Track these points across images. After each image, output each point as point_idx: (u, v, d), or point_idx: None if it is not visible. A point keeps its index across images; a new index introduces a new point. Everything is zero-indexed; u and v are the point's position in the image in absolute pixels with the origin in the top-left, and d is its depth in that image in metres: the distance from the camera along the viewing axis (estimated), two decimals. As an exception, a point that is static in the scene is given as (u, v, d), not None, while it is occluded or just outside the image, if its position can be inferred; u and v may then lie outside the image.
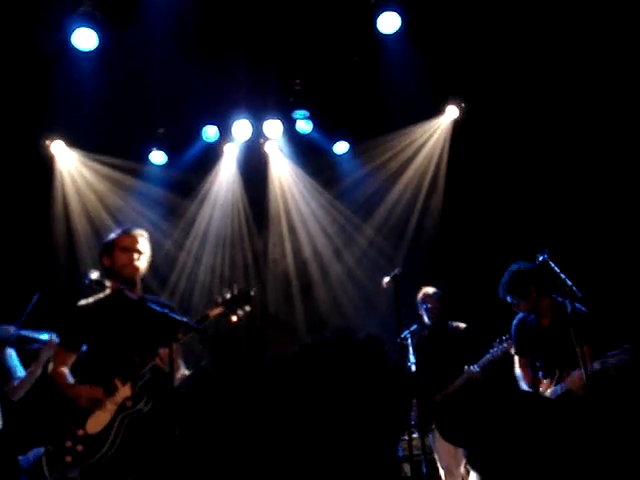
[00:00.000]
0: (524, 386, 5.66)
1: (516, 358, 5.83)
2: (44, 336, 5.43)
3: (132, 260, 4.32)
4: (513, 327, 5.89)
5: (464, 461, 6.21)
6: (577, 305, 5.27)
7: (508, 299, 5.68)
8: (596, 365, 5.16)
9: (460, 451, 6.21)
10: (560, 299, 5.48)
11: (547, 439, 4.87)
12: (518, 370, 5.78)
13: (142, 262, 4.40)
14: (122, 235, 4.43)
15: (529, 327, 5.72)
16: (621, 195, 7.28)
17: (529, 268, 5.58)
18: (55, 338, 5.32)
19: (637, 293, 6.86)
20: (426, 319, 6.71)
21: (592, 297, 5.30)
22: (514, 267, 5.68)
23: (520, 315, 5.84)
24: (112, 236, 4.49)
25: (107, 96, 7.76)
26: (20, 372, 5.52)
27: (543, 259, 5.16)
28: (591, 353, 5.17)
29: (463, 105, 8.46)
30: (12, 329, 5.40)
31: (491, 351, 6.18)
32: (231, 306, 4.20)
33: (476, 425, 5.07)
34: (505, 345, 6.10)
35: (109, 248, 4.40)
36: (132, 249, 4.36)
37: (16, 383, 5.47)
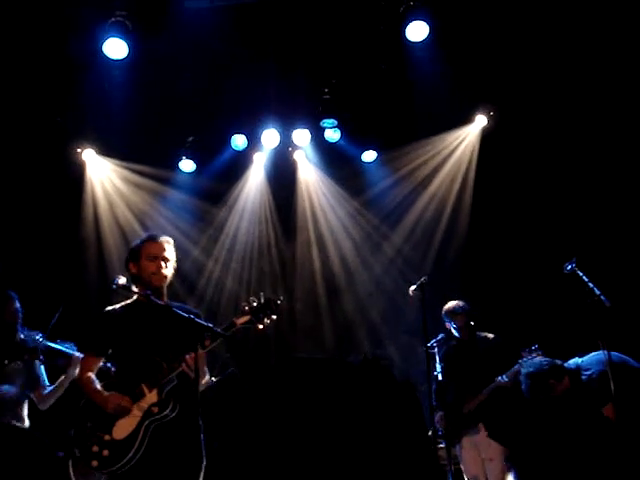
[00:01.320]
0: None
1: None
2: (69, 349, 5.47)
3: (159, 268, 4.33)
4: None
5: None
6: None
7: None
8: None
9: (487, 461, 6.17)
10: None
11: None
12: None
13: (169, 269, 4.41)
14: (148, 242, 4.43)
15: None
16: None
17: (539, 367, 5.46)
18: (78, 354, 5.37)
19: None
20: (454, 332, 6.66)
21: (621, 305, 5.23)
22: (525, 370, 5.53)
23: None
24: (138, 243, 4.49)
25: (137, 105, 7.84)
26: (46, 381, 5.60)
27: (571, 268, 5.10)
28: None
29: (492, 113, 8.40)
30: (39, 337, 5.45)
31: (520, 361, 6.09)
32: (258, 314, 4.20)
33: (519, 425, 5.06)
34: (534, 356, 6.02)
35: (135, 255, 4.41)
36: (159, 257, 4.37)
37: (45, 392, 5.54)
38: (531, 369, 5.46)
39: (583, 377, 5.37)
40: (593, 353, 5.47)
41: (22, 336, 5.47)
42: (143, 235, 4.70)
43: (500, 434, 5.78)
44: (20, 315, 5.56)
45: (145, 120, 8.13)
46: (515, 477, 5.88)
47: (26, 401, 5.53)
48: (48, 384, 5.57)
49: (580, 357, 5.55)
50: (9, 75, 7.22)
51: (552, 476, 5.17)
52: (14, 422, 5.34)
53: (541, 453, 5.19)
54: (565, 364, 5.54)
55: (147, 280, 4.31)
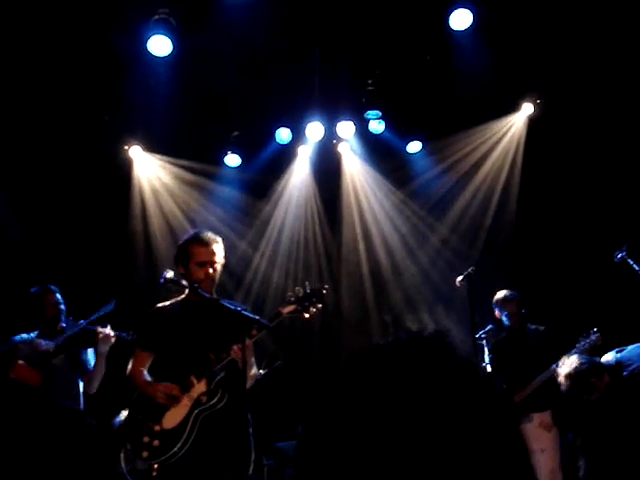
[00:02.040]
0: None
1: None
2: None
3: (207, 275, 4.32)
4: None
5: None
6: None
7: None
8: None
9: (538, 452, 6.10)
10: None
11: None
12: None
13: (217, 272, 4.41)
14: (197, 246, 4.34)
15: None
16: None
17: (578, 366, 5.35)
18: (104, 329, 5.46)
19: None
20: (505, 321, 6.59)
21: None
22: (563, 371, 5.42)
23: None
24: (186, 242, 4.42)
25: (182, 101, 7.90)
26: (92, 366, 5.72)
27: (622, 256, 5.03)
28: None
29: (539, 101, 8.28)
30: (82, 322, 5.56)
31: (577, 346, 5.97)
32: (304, 303, 4.21)
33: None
34: (593, 337, 5.90)
35: (184, 258, 4.36)
36: (207, 263, 4.34)
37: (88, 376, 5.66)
38: (569, 369, 5.34)
39: (625, 373, 5.26)
40: (631, 346, 5.36)
41: (64, 325, 5.58)
42: (191, 232, 4.67)
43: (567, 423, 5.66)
44: (62, 307, 5.67)
45: (190, 116, 8.20)
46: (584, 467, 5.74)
47: (79, 384, 5.65)
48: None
49: (618, 352, 5.44)
50: (57, 74, 7.34)
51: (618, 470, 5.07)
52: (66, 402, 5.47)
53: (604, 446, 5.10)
54: (603, 360, 5.42)
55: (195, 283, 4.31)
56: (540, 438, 6.04)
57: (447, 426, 0.94)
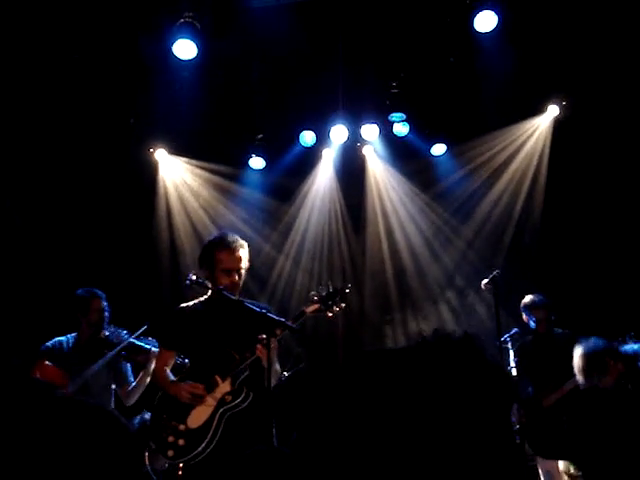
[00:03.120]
0: None
1: None
2: (150, 345, 5.53)
3: (233, 282, 4.32)
4: None
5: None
6: None
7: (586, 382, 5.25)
8: None
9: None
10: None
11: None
12: None
13: (243, 276, 4.42)
14: (224, 252, 4.30)
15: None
16: None
17: (595, 346, 5.21)
18: (156, 350, 5.44)
19: None
20: (533, 326, 6.55)
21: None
22: (581, 350, 5.28)
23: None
24: (212, 246, 4.41)
25: (207, 104, 7.97)
26: (131, 378, 5.72)
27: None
28: None
29: (564, 103, 8.22)
30: (124, 334, 5.54)
31: None
32: (327, 302, 4.22)
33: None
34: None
35: (210, 264, 4.34)
36: (233, 270, 4.34)
37: (129, 389, 5.66)
38: (586, 349, 5.30)
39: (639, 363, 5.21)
40: None
41: (107, 333, 5.58)
42: (216, 234, 4.63)
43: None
44: (106, 314, 5.64)
45: (215, 119, 8.26)
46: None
47: (112, 396, 5.67)
48: (132, 381, 5.69)
49: (637, 343, 5.38)
50: (84, 78, 7.42)
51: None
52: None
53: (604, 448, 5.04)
54: (621, 349, 5.37)
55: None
56: None
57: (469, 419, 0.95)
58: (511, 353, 6.52)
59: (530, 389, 6.53)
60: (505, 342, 6.46)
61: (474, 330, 8.11)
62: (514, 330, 6.68)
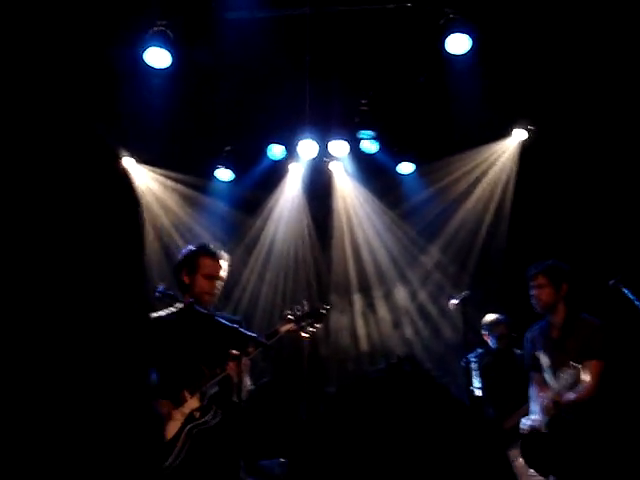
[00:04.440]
0: (534, 407, 5.43)
1: (531, 375, 5.60)
2: None
3: (213, 289, 4.32)
4: (526, 340, 5.70)
5: None
6: (589, 316, 5.25)
7: (534, 282, 5.49)
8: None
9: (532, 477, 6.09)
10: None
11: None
12: (532, 388, 5.56)
13: (220, 288, 4.42)
14: (209, 259, 4.36)
15: (541, 339, 5.52)
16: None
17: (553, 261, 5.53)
18: None
19: None
20: (492, 345, 6.61)
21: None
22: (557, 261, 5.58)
23: (532, 328, 5.68)
24: (196, 253, 4.43)
25: (177, 114, 7.88)
26: None
27: (615, 284, 5.03)
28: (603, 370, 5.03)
29: (531, 128, 8.33)
30: None
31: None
32: (301, 323, 4.20)
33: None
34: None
35: (192, 267, 4.35)
36: (215, 277, 4.35)
37: None
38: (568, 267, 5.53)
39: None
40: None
41: None
42: (199, 243, 4.63)
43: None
44: None
45: (184, 129, 8.18)
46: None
47: None
48: None
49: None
50: (51, 83, 7.29)
51: None
52: None
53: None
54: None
55: (198, 296, 4.31)
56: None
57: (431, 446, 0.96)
58: (475, 373, 6.53)
59: (490, 411, 6.57)
60: (469, 362, 6.48)
61: (439, 350, 8.17)
62: (479, 350, 6.71)
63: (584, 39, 7.03)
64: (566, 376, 5.02)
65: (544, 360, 5.42)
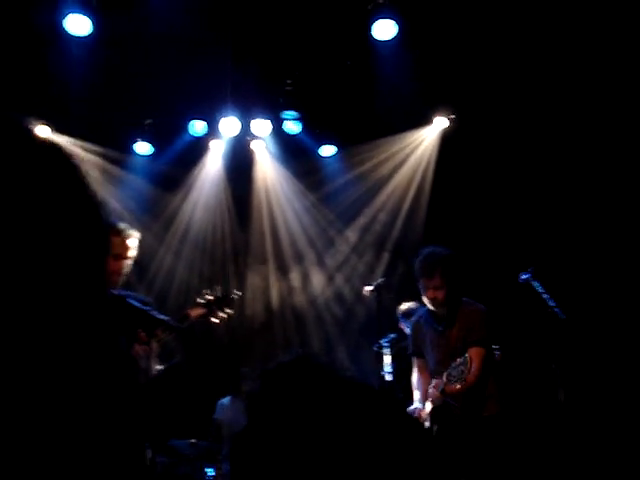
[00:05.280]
0: (417, 394, 5.42)
1: (414, 361, 5.56)
2: None
3: (121, 268, 4.20)
4: (411, 326, 5.62)
5: None
6: (472, 302, 5.22)
7: (429, 283, 5.20)
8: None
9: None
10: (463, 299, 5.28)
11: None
12: (415, 375, 5.53)
13: (128, 266, 4.31)
14: (115, 237, 4.26)
15: (425, 326, 5.40)
16: (613, 213, 7.20)
17: (444, 254, 5.29)
18: None
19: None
20: (408, 333, 6.69)
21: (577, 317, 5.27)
22: (448, 252, 5.36)
23: (417, 314, 5.63)
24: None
25: (96, 84, 7.66)
26: None
27: (526, 278, 5.09)
28: (488, 356, 5.04)
29: (452, 116, 8.42)
30: None
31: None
32: (213, 308, 4.16)
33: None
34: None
35: None
36: (123, 257, 4.23)
37: None
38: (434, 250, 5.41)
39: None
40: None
41: None
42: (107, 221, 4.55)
43: None
44: None
45: (104, 99, 7.94)
46: None
47: None
48: None
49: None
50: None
51: None
52: None
53: None
54: None
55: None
56: None
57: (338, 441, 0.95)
58: (387, 358, 6.59)
59: (401, 395, 6.65)
60: (382, 347, 6.54)
61: (353, 334, 8.24)
62: (391, 335, 6.77)
63: (505, 31, 7.12)
64: (456, 365, 5.00)
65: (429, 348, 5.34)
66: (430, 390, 5.18)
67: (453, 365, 4.97)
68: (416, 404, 5.25)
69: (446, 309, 5.20)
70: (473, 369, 4.81)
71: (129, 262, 4.29)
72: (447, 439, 4.95)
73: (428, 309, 5.33)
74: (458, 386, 4.86)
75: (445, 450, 4.92)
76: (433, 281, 5.12)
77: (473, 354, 4.85)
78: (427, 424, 5.00)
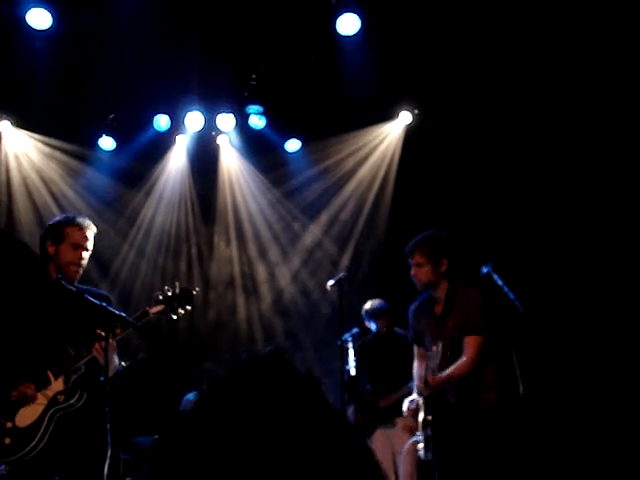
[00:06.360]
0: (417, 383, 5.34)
1: (414, 348, 5.53)
2: None
3: (79, 259, 4.22)
4: (410, 313, 5.55)
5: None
6: (471, 289, 5.24)
7: (412, 260, 5.29)
8: None
9: (398, 455, 6.27)
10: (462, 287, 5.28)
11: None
12: (415, 363, 5.50)
13: (86, 259, 4.32)
14: (74, 228, 4.28)
15: (424, 314, 5.39)
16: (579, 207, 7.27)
17: (427, 233, 5.40)
18: None
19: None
20: (373, 330, 6.75)
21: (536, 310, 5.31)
22: (435, 232, 5.44)
23: (417, 301, 5.57)
24: (61, 222, 4.34)
25: (59, 78, 7.60)
26: None
27: (487, 271, 5.12)
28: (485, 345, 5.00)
29: (416, 112, 8.43)
30: None
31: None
32: (172, 304, 4.16)
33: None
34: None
35: (57, 237, 4.26)
36: (81, 246, 4.25)
37: None
38: (444, 235, 5.49)
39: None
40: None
41: None
42: (66, 214, 4.57)
43: None
44: None
45: (66, 94, 7.86)
46: None
47: None
48: None
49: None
50: None
51: None
52: None
53: None
54: None
55: (63, 267, 4.19)
56: (401, 441, 6.17)
57: (292, 442, 0.96)
58: (351, 352, 6.64)
59: (369, 387, 6.71)
60: (346, 342, 6.57)
61: (318, 328, 8.26)
62: (355, 330, 6.81)
63: (469, 25, 7.16)
64: (432, 356, 5.00)
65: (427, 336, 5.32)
66: (416, 382, 5.23)
67: (429, 354, 5.00)
68: (414, 395, 5.23)
69: (444, 294, 5.22)
70: (465, 358, 4.85)
71: (87, 253, 4.29)
72: (442, 429, 4.97)
73: (428, 296, 5.35)
74: (444, 374, 4.88)
75: (440, 441, 4.95)
76: (415, 258, 5.23)
77: (469, 343, 4.89)
78: (422, 415, 5.01)
